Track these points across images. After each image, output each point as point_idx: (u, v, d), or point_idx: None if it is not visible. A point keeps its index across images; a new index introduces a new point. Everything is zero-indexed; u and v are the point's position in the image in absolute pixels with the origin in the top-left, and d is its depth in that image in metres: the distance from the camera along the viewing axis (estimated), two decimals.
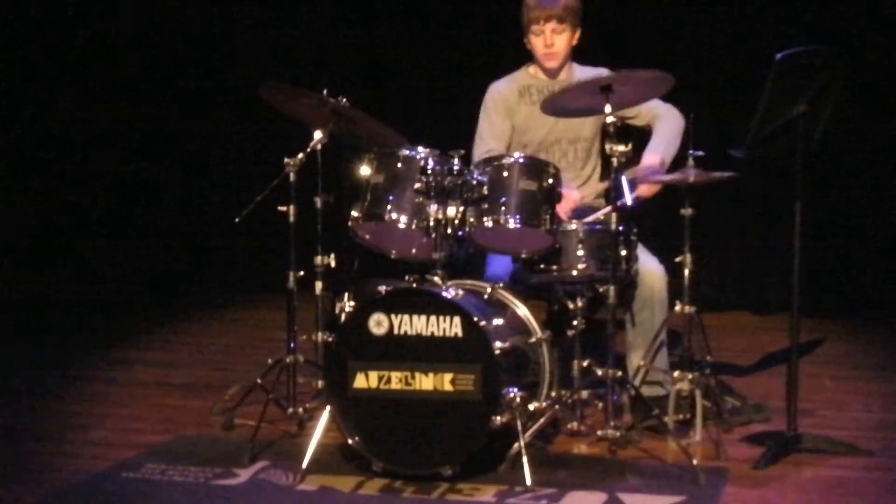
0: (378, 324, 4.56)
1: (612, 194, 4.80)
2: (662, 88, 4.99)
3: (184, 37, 8.23)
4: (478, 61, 7.25)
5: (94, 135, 8.37)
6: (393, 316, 4.54)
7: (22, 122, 8.40)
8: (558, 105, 5.04)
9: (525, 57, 5.45)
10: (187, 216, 8.43)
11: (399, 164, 4.87)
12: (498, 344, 4.48)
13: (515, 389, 4.54)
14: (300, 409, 5.12)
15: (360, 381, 4.56)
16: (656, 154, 5.27)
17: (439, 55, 7.84)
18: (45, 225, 8.46)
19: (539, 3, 5.28)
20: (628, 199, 4.86)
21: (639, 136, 5.30)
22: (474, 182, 4.80)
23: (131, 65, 8.30)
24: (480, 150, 5.37)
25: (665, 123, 5.35)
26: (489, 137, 5.42)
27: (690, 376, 4.93)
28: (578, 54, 5.47)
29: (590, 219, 5.02)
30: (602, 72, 5.26)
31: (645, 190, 5.21)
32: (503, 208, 4.78)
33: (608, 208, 4.94)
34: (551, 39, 5.29)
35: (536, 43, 5.33)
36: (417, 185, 4.77)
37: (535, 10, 5.28)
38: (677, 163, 5.21)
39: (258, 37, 8.14)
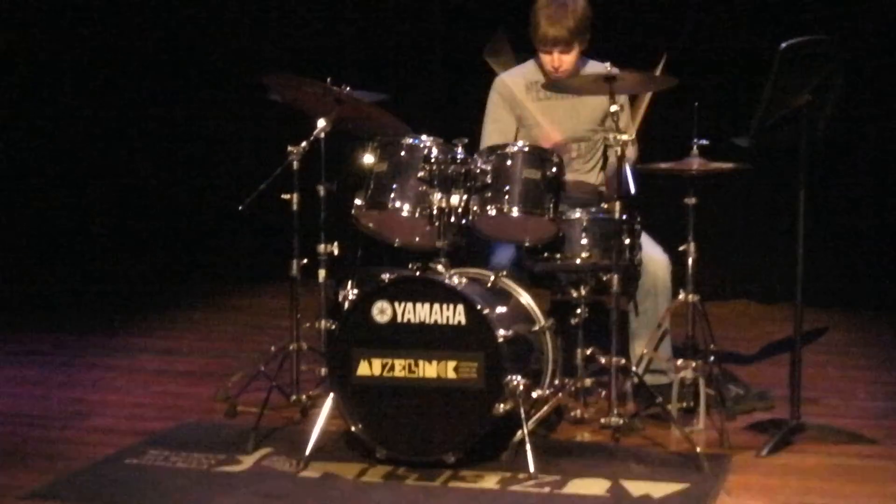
0: (381, 311, 4.56)
1: (615, 183, 4.80)
2: (664, 86, 5.01)
3: (187, 24, 8.22)
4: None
5: (96, 121, 8.37)
6: (396, 304, 4.54)
7: (24, 109, 8.40)
8: (562, 86, 5.13)
9: (531, 45, 5.43)
10: (191, 204, 8.42)
11: (402, 153, 4.87)
12: (501, 332, 4.48)
13: (519, 377, 4.54)
14: (303, 397, 5.12)
15: (363, 369, 4.56)
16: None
17: (443, 43, 7.82)
18: (47, 212, 8.45)
19: (546, 30, 5.20)
20: (632, 187, 4.86)
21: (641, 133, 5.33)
22: (478, 170, 4.80)
23: (133, 51, 8.29)
24: (485, 145, 5.36)
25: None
26: (493, 132, 5.42)
27: (694, 364, 4.93)
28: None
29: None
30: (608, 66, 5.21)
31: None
32: (506, 197, 4.78)
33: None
34: (559, 61, 5.26)
35: (545, 59, 5.29)
36: (421, 174, 4.77)
37: (542, 38, 5.22)
38: (681, 152, 5.21)
39: (261, 25, 8.13)
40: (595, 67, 5.33)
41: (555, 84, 5.12)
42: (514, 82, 5.44)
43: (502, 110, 5.44)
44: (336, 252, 5.17)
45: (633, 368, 5.04)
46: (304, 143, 5.00)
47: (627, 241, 4.91)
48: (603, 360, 4.86)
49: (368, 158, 4.90)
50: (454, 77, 7.54)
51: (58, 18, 8.30)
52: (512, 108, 5.43)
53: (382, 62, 7.90)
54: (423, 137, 4.87)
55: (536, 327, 4.86)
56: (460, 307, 4.50)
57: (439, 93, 7.73)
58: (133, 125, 8.41)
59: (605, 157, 5.45)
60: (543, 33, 5.20)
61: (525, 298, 4.91)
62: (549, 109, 5.37)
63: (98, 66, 8.32)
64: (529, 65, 5.46)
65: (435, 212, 4.75)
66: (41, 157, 8.46)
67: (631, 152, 5.22)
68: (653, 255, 5.20)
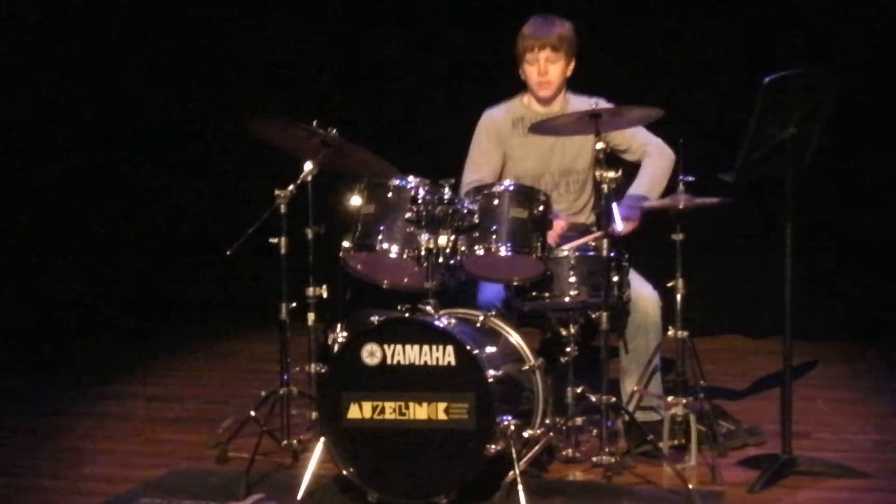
0: (371, 354, 4.55)
1: (603, 221, 4.81)
2: (651, 118, 5.03)
3: (169, 69, 8.26)
4: (468, 89, 7.27)
5: (90, 162, 8.38)
6: (386, 346, 4.54)
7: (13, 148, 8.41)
8: (548, 128, 5.12)
9: (518, 85, 5.46)
10: (178, 248, 8.42)
11: (390, 194, 4.88)
12: (491, 372, 4.48)
13: (509, 417, 4.53)
14: (294, 441, 5.11)
15: (353, 412, 4.55)
16: (639, 194, 5.27)
17: (429, 83, 7.86)
18: (36, 260, 8.45)
19: (534, 31, 5.31)
20: (619, 225, 4.87)
21: (630, 165, 5.34)
22: (465, 210, 4.81)
23: (121, 91, 8.33)
24: (469, 179, 5.38)
25: (653, 162, 5.36)
26: (479, 166, 5.43)
27: (684, 401, 4.93)
28: (572, 80, 5.47)
29: (577, 243, 5.02)
30: (596, 102, 5.24)
31: (624, 227, 5.14)
32: (494, 236, 4.78)
33: (597, 234, 4.95)
34: (545, 68, 5.31)
35: (530, 72, 5.35)
36: (408, 215, 4.78)
37: (530, 38, 5.31)
38: (667, 189, 5.22)
39: (247, 67, 8.17)
40: (582, 103, 5.34)
41: (540, 126, 5.12)
42: (502, 118, 5.46)
43: (488, 144, 5.46)
44: (325, 295, 5.17)
45: (624, 406, 5.04)
46: (291, 187, 5.00)
47: (616, 279, 4.92)
48: (593, 398, 4.85)
49: (356, 200, 4.90)
50: (442, 117, 7.57)
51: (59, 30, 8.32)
52: (498, 143, 5.44)
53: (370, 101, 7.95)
54: (410, 178, 4.88)
55: (526, 366, 4.85)
56: (450, 348, 4.49)
57: (426, 133, 7.75)
58: (122, 169, 8.42)
59: (596, 193, 5.46)
60: (531, 33, 5.29)
61: (514, 338, 4.91)
62: (535, 145, 5.38)
63: (89, 93, 8.34)
64: (516, 101, 5.48)
65: (423, 253, 4.76)
66: (25, 209, 8.47)
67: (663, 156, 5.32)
68: (641, 291, 5.20)
